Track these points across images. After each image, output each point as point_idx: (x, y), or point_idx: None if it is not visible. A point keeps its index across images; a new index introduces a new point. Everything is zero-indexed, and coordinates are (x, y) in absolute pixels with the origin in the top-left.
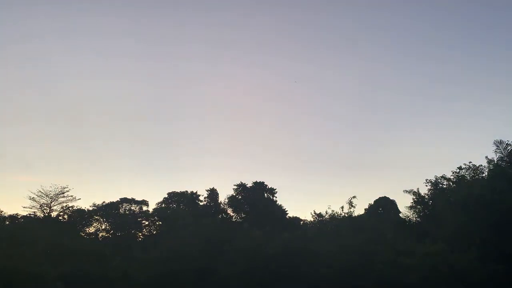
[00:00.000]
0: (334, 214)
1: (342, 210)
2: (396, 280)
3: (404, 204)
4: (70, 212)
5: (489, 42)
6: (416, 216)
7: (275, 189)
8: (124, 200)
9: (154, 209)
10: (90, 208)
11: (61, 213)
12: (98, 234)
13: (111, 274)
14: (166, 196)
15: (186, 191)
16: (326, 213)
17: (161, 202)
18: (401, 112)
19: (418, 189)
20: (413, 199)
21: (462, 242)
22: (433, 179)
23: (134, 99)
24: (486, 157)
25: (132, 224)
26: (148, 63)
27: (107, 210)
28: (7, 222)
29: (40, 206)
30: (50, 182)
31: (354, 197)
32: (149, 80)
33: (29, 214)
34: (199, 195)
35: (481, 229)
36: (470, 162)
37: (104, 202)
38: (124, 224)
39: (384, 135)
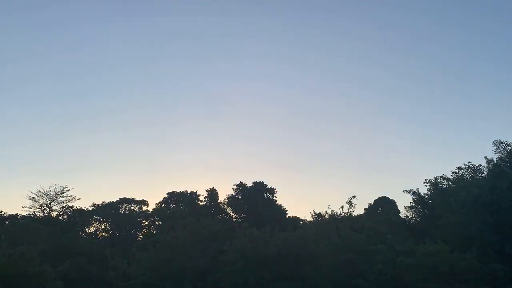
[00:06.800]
0: (334, 214)
1: (342, 210)
2: (396, 280)
3: (404, 204)
4: (70, 212)
5: (489, 40)
6: (415, 216)
7: (275, 189)
8: (124, 200)
9: (154, 209)
10: (90, 208)
11: (61, 213)
12: (98, 234)
13: (111, 274)
14: (166, 196)
15: (186, 191)
16: (326, 213)
17: (161, 202)
18: (401, 111)
19: (417, 189)
20: (413, 199)
21: (462, 242)
22: (432, 179)
23: (134, 98)
24: (486, 157)
25: (132, 224)
26: (147, 61)
27: (106, 210)
28: (7, 222)
29: (40, 206)
30: (50, 182)
31: (354, 197)
32: (149, 79)
33: (29, 214)
34: (199, 195)
35: (481, 229)
36: (469, 162)
37: (104, 202)
38: (124, 224)
39: (384, 135)
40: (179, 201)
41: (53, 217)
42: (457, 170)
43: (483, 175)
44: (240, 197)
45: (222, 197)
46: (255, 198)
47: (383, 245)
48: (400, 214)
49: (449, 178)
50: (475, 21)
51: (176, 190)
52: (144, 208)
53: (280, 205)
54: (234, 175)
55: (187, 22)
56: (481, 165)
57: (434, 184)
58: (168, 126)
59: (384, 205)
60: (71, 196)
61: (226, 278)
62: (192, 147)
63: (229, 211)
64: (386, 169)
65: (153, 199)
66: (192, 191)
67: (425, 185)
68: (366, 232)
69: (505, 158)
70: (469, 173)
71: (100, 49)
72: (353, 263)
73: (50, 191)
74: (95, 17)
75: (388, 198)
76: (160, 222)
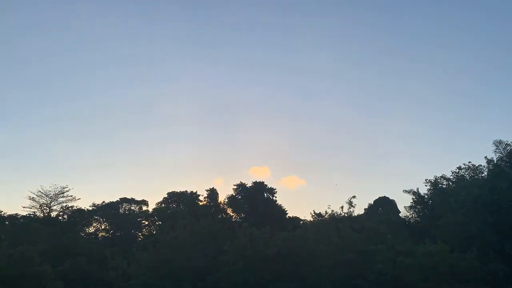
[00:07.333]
0: (334, 214)
1: (342, 210)
2: (396, 280)
3: (404, 204)
4: (70, 212)
5: (489, 40)
6: (415, 216)
7: (275, 189)
8: (124, 200)
9: (154, 209)
10: (90, 208)
11: (61, 213)
12: (98, 234)
13: (111, 274)
14: (166, 196)
15: (186, 191)
16: (326, 213)
17: (161, 202)
18: (401, 111)
19: (417, 189)
20: (413, 199)
21: (462, 242)
22: (432, 179)
23: (134, 99)
24: (486, 157)
25: (132, 224)
26: (146, 62)
27: (106, 210)
28: (7, 222)
29: (40, 206)
30: (50, 182)
31: (354, 197)
32: (148, 79)
33: (29, 214)
34: (199, 195)
35: (481, 229)
36: (469, 162)
37: (104, 202)
38: (124, 224)
39: (384, 135)
40: (179, 201)
41: (53, 217)
42: (457, 170)
43: (483, 175)
44: (240, 197)
45: (222, 197)
46: (255, 198)
47: (383, 245)
48: (400, 214)
49: (449, 178)
50: (475, 21)
51: (176, 190)
52: (144, 208)
53: (280, 205)
54: (234, 175)
55: (188, 23)
56: (481, 165)
57: (434, 184)
58: (168, 126)
59: (384, 205)
60: (71, 196)
61: (226, 278)
62: (192, 147)
63: (229, 211)
64: (386, 169)
65: (153, 199)
66: (192, 191)
67: (425, 185)
68: (366, 232)
69: (505, 158)
70: (469, 173)
71: (99, 49)
72: (353, 263)
73: (50, 191)
74: (97, 16)
75: (388, 198)
76: (160, 222)
